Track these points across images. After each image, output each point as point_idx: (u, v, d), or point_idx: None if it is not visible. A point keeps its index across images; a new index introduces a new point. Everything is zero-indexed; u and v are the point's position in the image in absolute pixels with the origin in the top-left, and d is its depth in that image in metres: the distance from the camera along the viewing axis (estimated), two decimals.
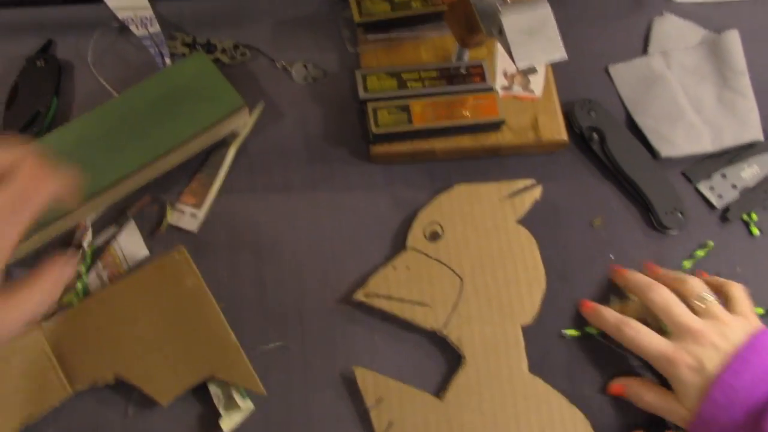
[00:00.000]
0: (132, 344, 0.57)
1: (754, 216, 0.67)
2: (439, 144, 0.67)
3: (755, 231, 0.67)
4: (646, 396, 0.58)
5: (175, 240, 0.63)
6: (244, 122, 0.65)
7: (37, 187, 0.42)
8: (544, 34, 0.54)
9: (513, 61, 0.53)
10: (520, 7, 0.54)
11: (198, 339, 0.57)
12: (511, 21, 0.53)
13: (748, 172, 0.69)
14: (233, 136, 0.66)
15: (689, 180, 0.69)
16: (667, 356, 0.56)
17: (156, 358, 0.56)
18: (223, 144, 0.66)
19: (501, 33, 0.54)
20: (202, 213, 0.63)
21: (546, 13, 0.54)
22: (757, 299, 0.61)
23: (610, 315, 0.60)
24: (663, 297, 0.58)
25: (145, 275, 0.59)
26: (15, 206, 0.41)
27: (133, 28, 0.69)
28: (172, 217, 0.63)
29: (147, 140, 0.60)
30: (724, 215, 0.67)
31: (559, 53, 0.53)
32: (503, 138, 0.67)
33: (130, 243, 0.62)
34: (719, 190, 0.68)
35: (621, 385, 0.60)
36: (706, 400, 0.54)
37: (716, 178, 0.69)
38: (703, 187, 0.68)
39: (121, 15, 0.70)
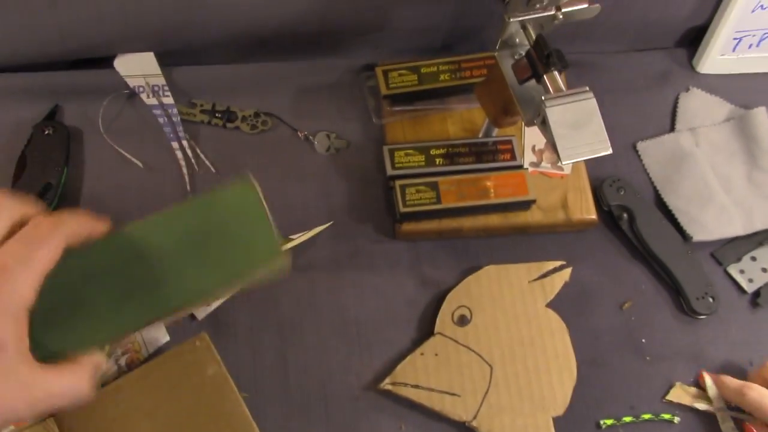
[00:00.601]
0: None
1: None
2: (468, 222, 0.65)
3: None
4: None
5: (197, 325, 0.60)
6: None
7: (51, 228, 0.39)
8: (589, 128, 0.52)
9: (557, 155, 0.51)
10: (564, 98, 0.52)
11: (219, 430, 0.55)
12: (556, 113, 0.52)
13: None
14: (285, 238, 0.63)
15: (719, 262, 0.68)
16: None
17: None
18: None
19: (545, 124, 0.52)
20: (215, 303, 0.61)
21: (592, 105, 0.52)
22: None
23: (731, 381, 0.60)
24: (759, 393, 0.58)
25: (165, 363, 0.56)
26: (30, 247, 0.38)
27: (144, 96, 0.67)
28: None
29: (162, 289, 0.45)
30: (755, 300, 0.66)
31: (605, 148, 0.52)
32: (532, 217, 0.66)
33: (152, 329, 0.59)
34: (750, 273, 0.67)
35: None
36: None
37: (746, 260, 0.68)
38: (734, 271, 0.67)
39: (131, 83, 0.67)
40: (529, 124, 0.55)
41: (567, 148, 0.51)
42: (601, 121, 0.52)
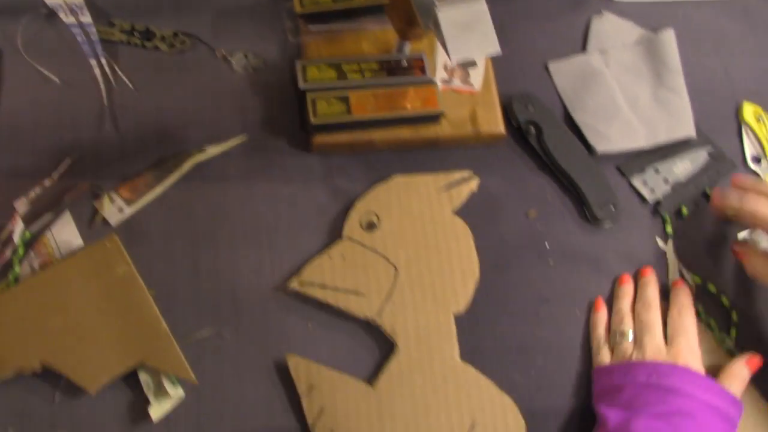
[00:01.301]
0: (60, 332, 0.56)
1: (684, 210, 0.69)
2: (379, 135, 0.67)
3: (669, 230, 0.68)
4: (759, 266, 0.63)
5: (111, 230, 0.62)
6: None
7: None
8: (479, 29, 0.55)
9: (447, 54, 0.54)
10: (456, 3, 0.54)
11: (128, 327, 0.57)
12: (446, 15, 0.54)
13: (680, 168, 0.70)
14: (199, 148, 0.65)
15: (623, 174, 0.70)
16: None
17: (84, 346, 0.56)
18: (183, 152, 0.65)
19: (437, 26, 0.55)
20: (129, 211, 0.63)
21: (482, 8, 0.54)
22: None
23: (733, 195, 0.63)
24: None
25: (75, 263, 0.58)
26: None
27: (62, 15, 0.68)
28: (105, 203, 0.62)
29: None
30: (656, 209, 0.69)
31: (494, 48, 0.54)
32: (442, 130, 0.68)
33: (64, 232, 0.61)
34: (652, 184, 0.70)
35: (739, 251, 0.65)
36: None
37: (649, 172, 0.70)
38: (637, 181, 0.70)
39: (49, 2, 0.68)
40: (426, 28, 0.58)
41: (456, 46, 0.54)
42: (491, 22, 0.55)
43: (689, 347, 0.60)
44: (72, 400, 0.56)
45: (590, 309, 0.65)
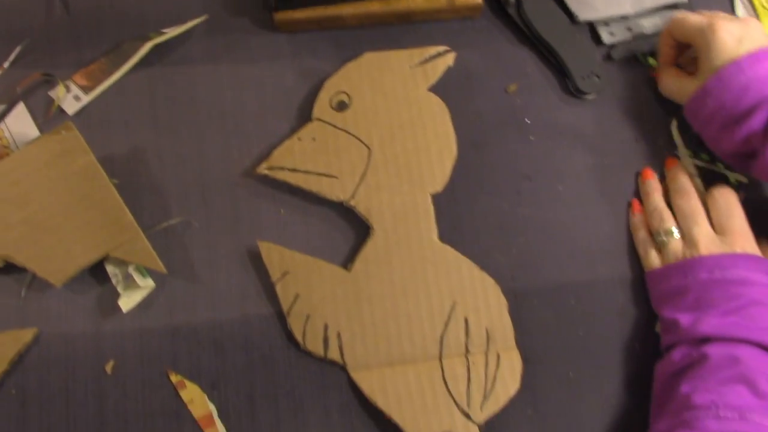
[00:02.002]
0: (20, 226, 0.54)
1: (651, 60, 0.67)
2: (347, 9, 0.63)
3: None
4: (669, 77, 0.62)
5: (68, 119, 0.59)
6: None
7: None
8: None
9: None
10: None
11: (91, 218, 0.55)
12: None
13: (650, 22, 0.67)
14: (157, 31, 0.61)
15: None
16: (710, 24, 0.57)
17: (47, 238, 0.54)
18: (141, 36, 0.61)
19: None
20: (87, 98, 0.60)
21: None
22: None
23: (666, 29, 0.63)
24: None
25: (31, 153, 0.55)
26: None
27: None
28: (60, 91, 0.59)
29: None
30: (609, 54, 0.66)
31: None
32: (414, 2, 0.64)
33: (19, 124, 0.58)
34: (614, 29, 0.66)
35: (658, 73, 0.64)
36: (716, 72, 0.56)
37: (616, 23, 0.67)
38: (600, 25, 0.66)
39: None
40: None
41: None
42: None
43: (742, 231, 0.57)
44: (40, 295, 0.55)
45: (575, 187, 0.62)
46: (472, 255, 0.58)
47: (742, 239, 0.56)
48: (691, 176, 0.62)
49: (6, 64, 0.60)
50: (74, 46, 0.61)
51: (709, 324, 0.53)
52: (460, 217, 0.60)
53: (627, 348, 0.58)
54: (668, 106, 0.64)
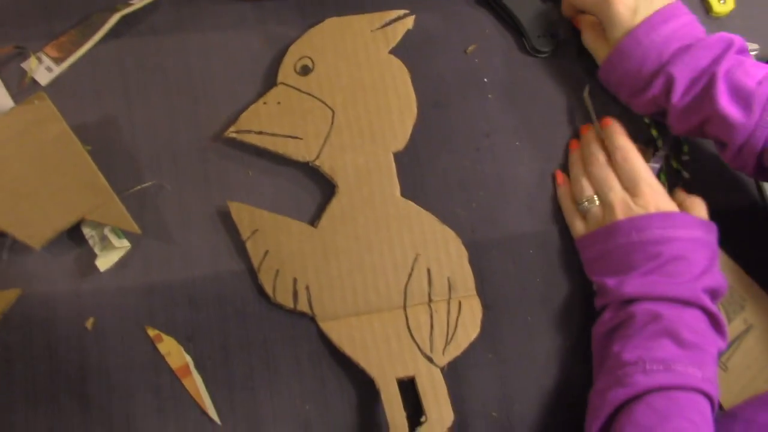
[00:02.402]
0: None
1: None
2: None
3: None
4: (588, 33, 0.64)
5: (41, 90, 0.61)
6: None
7: None
8: None
9: None
10: None
11: (66, 183, 0.57)
12: None
13: None
14: (125, 2, 0.63)
15: None
16: None
17: (24, 204, 0.56)
18: (109, 7, 0.63)
19: None
20: (59, 69, 0.61)
21: None
22: None
23: None
24: None
25: (5, 123, 0.58)
26: None
27: None
28: (33, 63, 0.61)
29: None
30: None
31: None
32: None
33: None
34: None
35: (578, 20, 0.67)
36: (616, 46, 0.59)
37: None
38: None
39: None
40: None
41: None
42: None
43: (652, 189, 0.59)
44: (19, 258, 0.58)
45: (533, 142, 0.65)
46: (434, 210, 0.61)
47: (655, 197, 0.58)
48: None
49: None
50: (44, 19, 0.63)
51: (632, 285, 0.55)
52: (422, 174, 0.63)
53: (581, 293, 0.61)
54: None
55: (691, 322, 0.53)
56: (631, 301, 0.55)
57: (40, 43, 0.62)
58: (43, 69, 0.61)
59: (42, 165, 0.57)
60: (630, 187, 0.59)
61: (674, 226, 0.57)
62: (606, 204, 0.60)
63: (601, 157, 0.62)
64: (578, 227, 0.61)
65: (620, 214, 0.58)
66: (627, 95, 0.61)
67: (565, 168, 0.65)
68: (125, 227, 0.57)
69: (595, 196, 0.61)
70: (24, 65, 0.61)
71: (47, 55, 0.62)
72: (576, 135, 0.66)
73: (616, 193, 0.59)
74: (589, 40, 0.64)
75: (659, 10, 0.58)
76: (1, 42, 0.62)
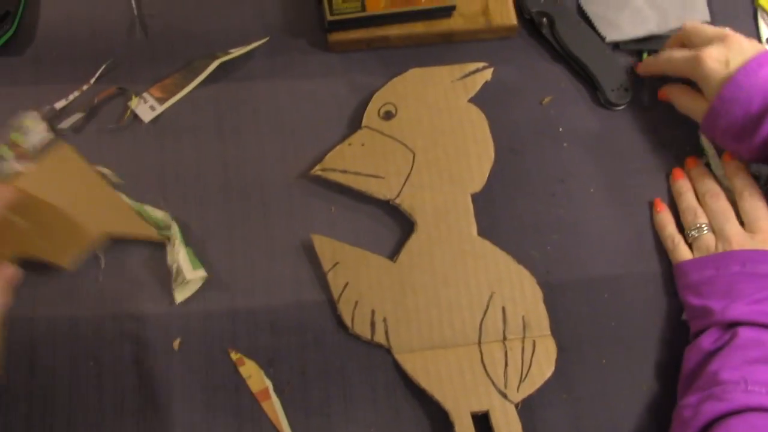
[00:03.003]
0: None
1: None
2: (394, 31, 0.70)
3: None
4: (682, 98, 0.66)
5: (144, 127, 0.66)
6: None
7: None
8: None
9: None
10: None
11: (89, 208, 0.61)
12: None
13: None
14: (224, 51, 0.69)
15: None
16: (696, 56, 0.62)
17: (54, 232, 0.59)
18: (209, 55, 0.68)
19: None
20: (161, 108, 0.66)
21: None
22: None
23: (650, 59, 0.69)
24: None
25: (38, 170, 0.62)
26: None
27: None
28: (134, 102, 0.66)
29: None
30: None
31: None
32: (455, 23, 0.70)
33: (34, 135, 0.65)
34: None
35: (665, 92, 0.69)
36: (717, 94, 0.60)
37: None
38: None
39: None
40: None
41: None
42: None
43: None
44: (115, 281, 0.61)
45: (606, 189, 0.66)
46: (508, 251, 0.63)
47: None
48: (721, 178, 0.65)
49: (92, 81, 0.67)
50: (151, 64, 0.68)
51: (739, 310, 0.56)
52: (498, 216, 0.65)
53: (656, 336, 0.61)
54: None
55: None
56: (734, 325, 0.56)
57: (146, 85, 0.67)
58: (146, 108, 0.66)
59: (67, 197, 0.60)
60: (749, 222, 0.61)
61: None
62: (721, 235, 0.61)
63: (720, 191, 0.64)
64: (683, 252, 0.63)
65: (736, 245, 0.60)
66: (734, 143, 0.62)
67: (639, 216, 0.66)
68: (150, 238, 0.61)
69: (704, 225, 0.63)
70: (130, 104, 0.66)
71: (152, 95, 0.67)
72: (648, 183, 0.67)
73: (734, 225, 0.62)
74: (685, 103, 0.66)
75: (754, 57, 0.60)
76: (112, 84, 0.67)
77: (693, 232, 0.63)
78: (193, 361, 0.59)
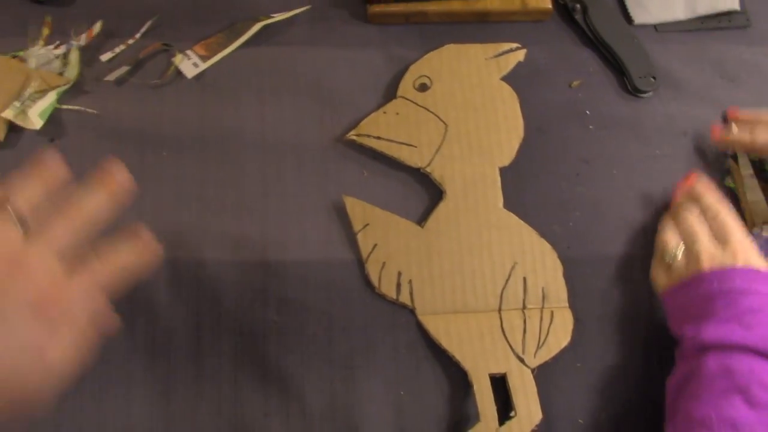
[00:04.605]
0: None
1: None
2: (432, 6, 0.72)
3: None
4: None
5: (186, 82, 0.68)
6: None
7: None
8: None
9: None
10: None
11: None
12: None
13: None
14: (266, 15, 0.71)
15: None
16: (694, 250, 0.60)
17: None
18: (252, 18, 0.71)
19: None
20: (204, 65, 0.69)
21: None
22: None
23: (743, 130, 0.66)
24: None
25: None
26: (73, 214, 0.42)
27: None
28: (178, 59, 0.68)
29: None
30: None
31: None
32: (491, 3, 0.72)
33: None
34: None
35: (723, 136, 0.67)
36: None
37: None
38: None
39: None
40: None
41: None
42: None
43: (742, 243, 0.59)
44: None
45: (629, 173, 0.69)
46: (532, 224, 0.65)
47: (743, 251, 0.58)
48: (749, 176, 0.67)
49: (138, 35, 0.69)
50: (195, 23, 0.70)
51: (708, 332, 0.54)
52: (523, 190, 0.67)
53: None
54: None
55: (765, 379, 0.52)
56: (706, 349, 0.54)
57: (190, 43, 0.69)
58: (190, 64, 0.68)
59: None
60: (719, 236, 0.60)
61: (759, 281, 0.56)
62: (690, 255, 0.60)
63: (693, 212, 0.63)
64: (661, 279, 0.62)
65: (706, 266, 0.58)
66: None
67: (658, 200, 0.68)
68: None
69: (680, 249, 0.61)
70: (173, 60, 0.68)
71: (195, 53, 0.69)
72: (670, 169, 0.69)
73: (703, 244, 0.60)
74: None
75: None
76: (157, 40, 0.69)
77: (669, 259, 0.61)
78: (224, 307, 0.61)
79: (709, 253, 0.59)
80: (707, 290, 0.57)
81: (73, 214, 0.41)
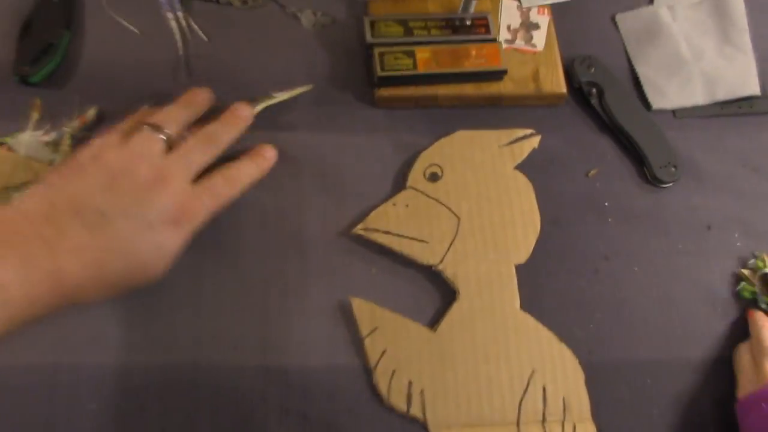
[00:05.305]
0: None
1: None
2: (443, 90, 0.68)
3: None
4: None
5: None
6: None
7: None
8: None
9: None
10: None
11: None
12: None
13: None
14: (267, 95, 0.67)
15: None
16: None
17: None
18: (251, 99, 0.67)
19: None
20: None
21: None
22: None
23: None
24: None
25: None
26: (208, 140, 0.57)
27: None
28: None
29: None
30: None
31: None
32: (504, 88, 0.69)
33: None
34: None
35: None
36: None
37: None
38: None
39: None
40: None
41: None
42: None
43: None
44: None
45: (652, 270, 0.65)
46: (550, 326, 0.61)
47: None
48: None
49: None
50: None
51: None
52: (540, 289, 0.63)
53: (700, 429, 0.59)
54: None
55: None
56: None
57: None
58: None
59: None
60: None
61: None
62: (760, 369, 0.58)
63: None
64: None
65: None
66: None
67: (684, 300, 0.64)
68: None
69: None
70: None
71: None
72: (693, 266, 0.65)
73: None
74: None
75: None
76: None
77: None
78: (221, 416, 0.56)
79: None
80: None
81: (210, 142, 0.57)
